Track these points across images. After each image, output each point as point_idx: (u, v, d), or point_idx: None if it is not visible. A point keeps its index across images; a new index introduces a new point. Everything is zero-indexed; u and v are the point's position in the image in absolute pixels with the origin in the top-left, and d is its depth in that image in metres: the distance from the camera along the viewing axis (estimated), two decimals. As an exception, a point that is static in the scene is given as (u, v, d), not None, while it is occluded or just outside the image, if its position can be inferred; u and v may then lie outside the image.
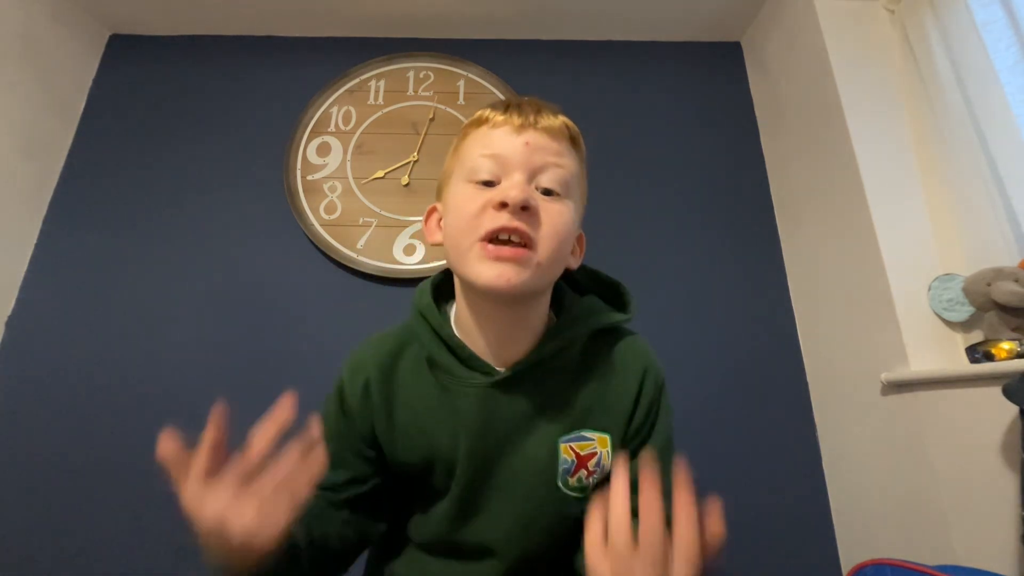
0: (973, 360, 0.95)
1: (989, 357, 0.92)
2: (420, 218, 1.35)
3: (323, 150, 1.43)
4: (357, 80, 1.50)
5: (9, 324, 1.27)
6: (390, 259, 1.32)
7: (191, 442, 0.41)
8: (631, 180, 1.45)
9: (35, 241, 1.35)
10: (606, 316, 0.57)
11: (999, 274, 0.91)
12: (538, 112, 0.50)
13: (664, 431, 0.56)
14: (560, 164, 0.49)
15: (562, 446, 0.51)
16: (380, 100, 1.48)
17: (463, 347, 0.52)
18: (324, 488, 0.53)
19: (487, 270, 0.46)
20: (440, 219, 0.54)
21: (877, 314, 1.06)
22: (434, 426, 0.53)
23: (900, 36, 1.20)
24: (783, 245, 1.40)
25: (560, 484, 0.52)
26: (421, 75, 1.51)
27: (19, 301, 1.30)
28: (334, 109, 1.47)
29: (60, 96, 1.43)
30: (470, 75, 1.51)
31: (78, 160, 1.43)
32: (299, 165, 1.41)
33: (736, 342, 1.31)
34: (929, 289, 1.02)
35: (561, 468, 0.51)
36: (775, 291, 1.36)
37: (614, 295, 0.63)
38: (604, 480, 0.53)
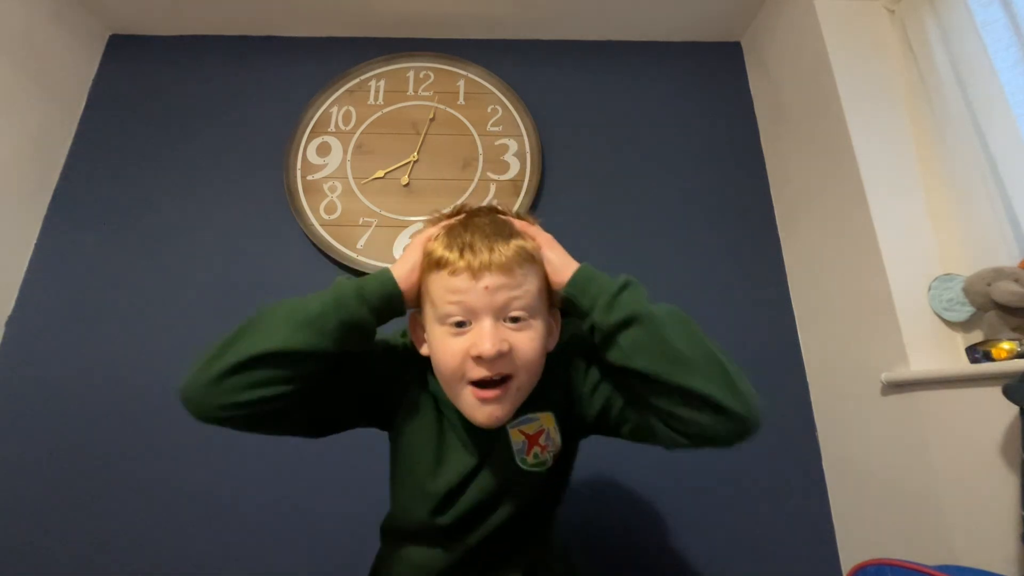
0: (973, 360, 0.95)
1: (989, 357, 0.92)
2: (420, 218, 1.36)
3: (323, 150, 1.43)
4: (357, 80, 1.50)
5: (9, 324, 1.27)
6: (390, 259, 1.32)
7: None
8: (631, 180, 1.45)
9: (35, 241, 1.35)
10: (553, 367, 0.63)
11: (999, 274, 0.91)
12: (491, 249, 0.54)
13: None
14: (520, 295, 0.54)
15: (511, 432, 0.60)
16: (380, 100, 1.48)
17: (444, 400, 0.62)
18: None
19: (478, 412, 0.55)
20: (423, 334, 0.59)
21: (877, 314, 1.06)
22: (441, 441, 0.63)
23: (900, 36, 1.20)
24: (783, 245, 1.40)
25: (519, 463, 0.60)
26: (421, 75, 1.51)
27: (19, 301, 1.30)
28: (334, 109, 1.47)
29: (60, 96, 1.43)
30: (470, 75, 1.51)
31: (78, 160, 1.43)
32: (299, 165, 1.41)
33: (736, 342, 1.31)
34: (929, 289, 1.02)
35: (516, 452, 0.60)
36: (775, 291, 1.36)
37: None
38: (563, 457, 0.63)
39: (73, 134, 1.45)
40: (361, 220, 1.36)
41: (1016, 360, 0.89)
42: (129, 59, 1.54)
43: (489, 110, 1.48)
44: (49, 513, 1.15)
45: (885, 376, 1.02)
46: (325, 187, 1.39)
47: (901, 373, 0.99)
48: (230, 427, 0.53)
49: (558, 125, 1.49)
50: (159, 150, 1.44)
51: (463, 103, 1.49)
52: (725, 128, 1.51)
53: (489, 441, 0.60)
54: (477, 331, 0.53)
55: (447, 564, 0.62)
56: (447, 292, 0.54)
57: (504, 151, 1.44)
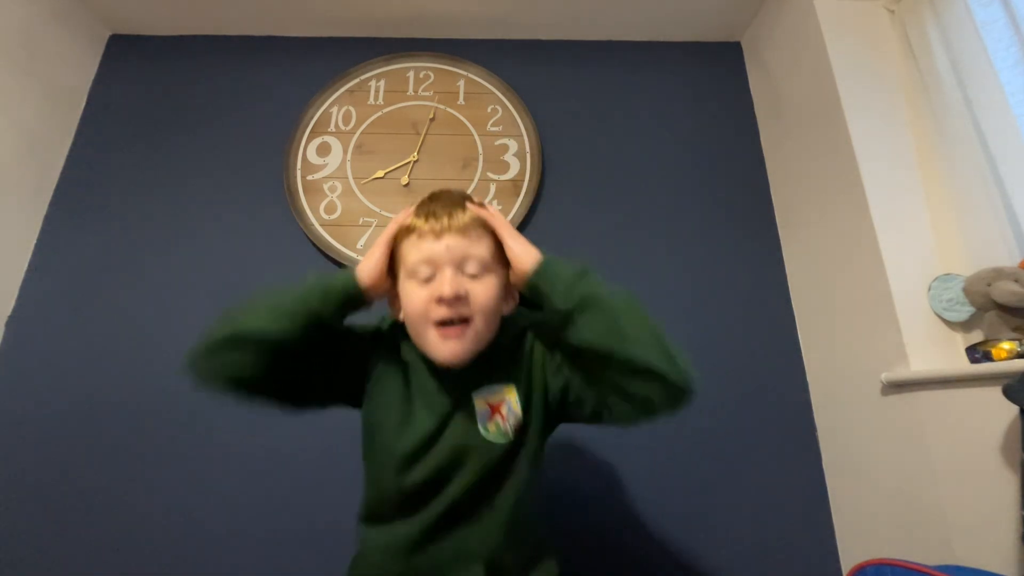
0: (973, 360, 0.95)
1: (989, 357, 0.92)
2: (420, 218, 1.36)
3: (323, 150, 1.43)
4: (357, 80, 1.50)
5: (9, 324, 1.28)
6: (390, 259, 1.32)
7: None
8: (631, 180, 1.45)
9: (35, 241, 1.35)
10: (526, 318, 0.72)
11: (999, 274, 0.91)
12: (450, 215, 0.65)
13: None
14: (474, 253, 0.65)
15: (476, 400, 0.66)
16: (380, 100, 1.48)
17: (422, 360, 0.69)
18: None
19: (442, 348, 0.63)
20: (399, 302, 0.68)
21: (877, 314, 1.06)
22: (408, 402, 0.68)
23: (900, 36, 1.20)
24: (783, 245, 1.40)
25: (481, 431, 0.65)
26: (421, 75, 1.51)
27: (19, 301, 1.30)
28: (334, 109, 1.47)
29: (60, 96, 1.43)
30: (470, 75, 1.51)
31: (78, 160, 1.43)
32: (299, 165, 1.41)
33: (736, 342, 1.31)
34: (929, 289, 1.02)
35: (479, 417, 0.65)
36: (775, 291, 1.36)
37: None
38: (522, 429, 0.66)
39: (73, 134, 1.45)
40: (361, 220, 1.36)
41: (1016, 360, 0.88)
42: (129, 59, 1.54)
43: (489, 110, 1.48)
44: (49, 513, 1.15)
45: (885, 376, 1.02)
46: (325, 187, 1.39)
47: (901, 373, 0.99)
48: (221, 393, 0.62)
49: (558, 125, 1.49)
50: (159, 150, 1.44)
51: (463, 103, 1.49)
52: (725, 128, 1.51)
53: (454, 405, 0.66)
54: (440, 279, 0.63)
55: (412, 543, 0.64)
56: (416, 252, 0.64)
57: (504, 151, 1.44)
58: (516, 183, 1.40)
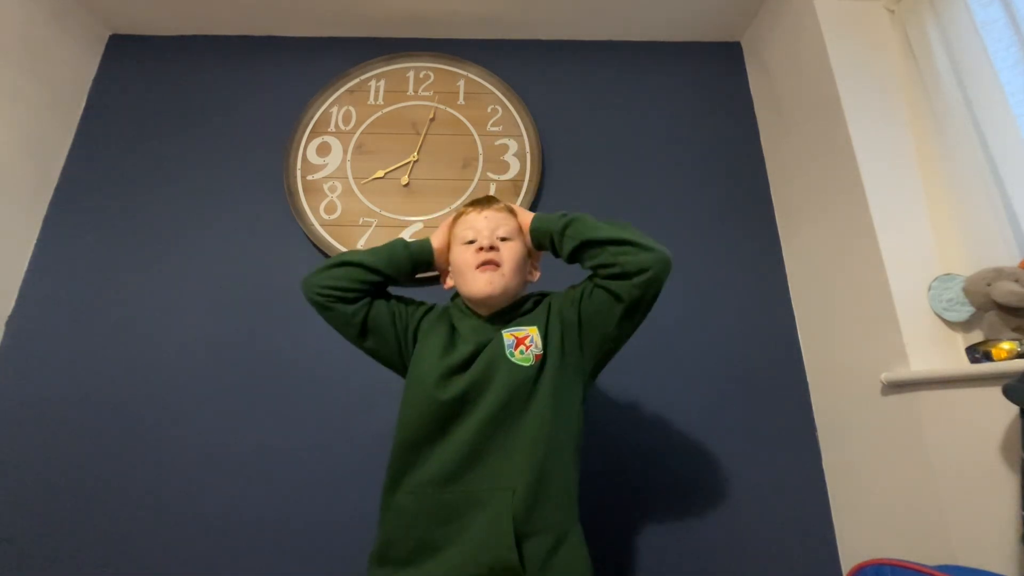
0: (973, 360, 0.95)
1: (989, 357, 0.92)
2: (420, 218, 1.37)
3: (323, 150, 1.43)
4: (357, 80, 1.50)
5: (9, 324, 1.28)
6: (390, 259, 1.32)
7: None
8: (631, 180, 1.45)
9: (35, 241, 1.35)
10: (536, 293, 0.92)
11: (999, 274, 0.91)
12: (488, 204, 0.90)
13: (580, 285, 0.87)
14: (504, 224, 0.87)
15: (505, 334, 0.82)
16: (380, 100, 1.48)
17: (467, 310, 0.89)
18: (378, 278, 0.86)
19: (480, 281, 0.83)
20: (450, 276, 0.91)
21: (877, 314, 1.06)
22: (453, 338, 0.85)
23: (900, 36, 1.20)
24: (783, 245, 1.40)
25: (508, 356, 0.79)
26: (421, 75, 1.51)
27: (19, 301, 1.30)
28: (334, 109, 1.47)
29: (60, 96, 1.43)
30: (470, 75, 1.51)
31: (78, 160, 1.43)
32: (299, 165, 1.41)
33: (736, 342, 1.31)
34: (929, 289, 1.02)
35: (507, 346, 0.80)
36: (775, 291, 1.36)
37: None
38: (543, 361, 0.79)
39: (73, 134, 1.45)
40: (361, 220, 1.36)
41: (1016, 360, 0.89)
42: (129, 59, 1.54)
43: (489, 110, 1.48)
44: (49, 511, 1.15)
45: (885, 376, 1.02)
46: (325, 187, 1.39)
47: (901, 373, 0.99)
48: (319, 310, 0.85)
49: (558, 125, 1.49)
50: (159, 150, 1.44)
51: (463, 103, 1.49)
52: (725, 128, 1.51)
53: (488, 338, 0.81)
54: (480, 237, 0.85)
55: (445, 472, 0.73)
56: (465, 225, 0.87)
57: (504, 151, 1.44)
58: (516, 183, 1.40)
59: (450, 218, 0.92)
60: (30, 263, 1.33)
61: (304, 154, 1.42)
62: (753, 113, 1.53)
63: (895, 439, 1.02)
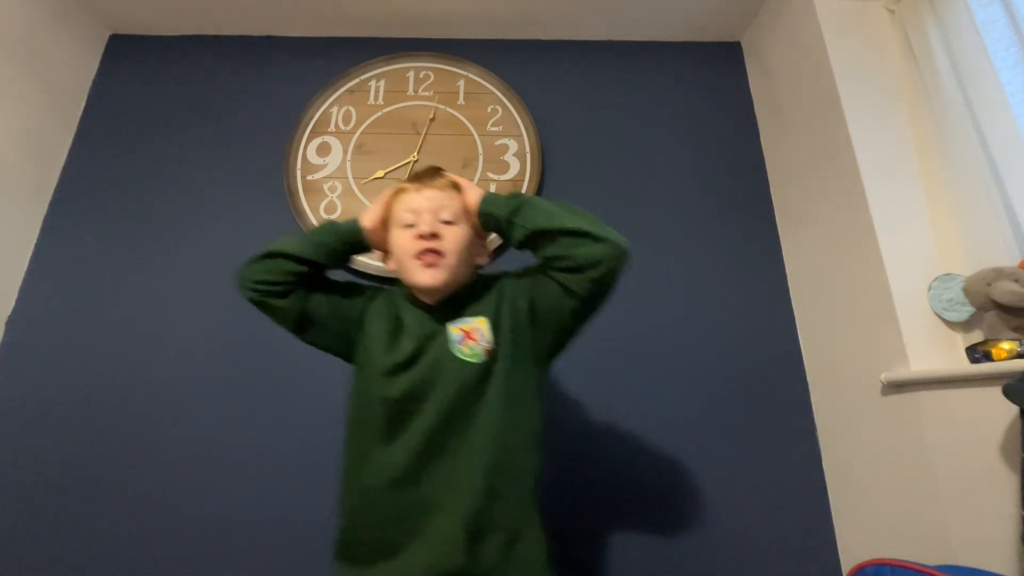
0: (973, 360, 0.95)
1: (989, 357, 0.92)
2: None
3: (323, 150, 1.43)
4: (357, 80, 1.50)
5: (9, 324, 1.28)
6: (390, 259, 1.32)
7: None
8: (631, 180, 1.45)
9: (35, 241, 1.35)
10: (486, 278, 0.86)
11: (999, 274, 0.91)
12: (431, 178, 0.82)
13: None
14: (447, 205, 0.79)
15: (451, 327, 0.77)
16: (380, 100, 1.48)
17: (412, 298, 0.83)
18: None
19: (422, 274, 0.76)
20: (391, 259, 0.83)
21: (877, 314, 1.06)
22: (397, 332, 0.80)
23: (900, 36, 1.20)
24: (783, 245, 1.40)
25: (455, 352, 0.74)
26: (421, 75, 1.51)
27: (19, 301, 1.30)
28: (334, 109, 1.47)
29: (60, 96, 1.43)
30: (470, 75, 1.51)
31: (78, 160, 1.43)
32: (299, 165, 1.41)
33: (736, 342, 1.31)
34: (929, 289, 1.02)
35: (452, 341, 0.75)
36: (775, 291, 1.36)
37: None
38: (493, 354, 0.75)
39: (73, 134, 1.45)
40: (361, 220, 1.36)
41: (1016, 360, 0.89)
42: (129, 59, 1.54)
43: (489, 110, 1.48)
44: (49, 511, 1.15)
45: (885, 376, 1.02)
46: (325, 187, 1.39)
47: (901, 373, 0.99)
48: (256, 307, 0.79)
49: (558, 125, 1.49)
50: (159, 150, 1.44)
51: (463, 103, 1.49)
52: (725, 128, 1.51)
53: (434, 333, 0.77)
54: (420, 222, 0.77)
55: (395, 473, 0.71)
56: (404, 206, 0.80)
57: (504, 151, 1.44)
58: (516, 183, 1.40)
59: (387, 192, 0.83)
60: (30, 263, 1.33)
61: (304, 154, 1.42)
62: (753, 113, 1.53)
63: (895, 439, 1.02)
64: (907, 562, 0.74)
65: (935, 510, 0.93)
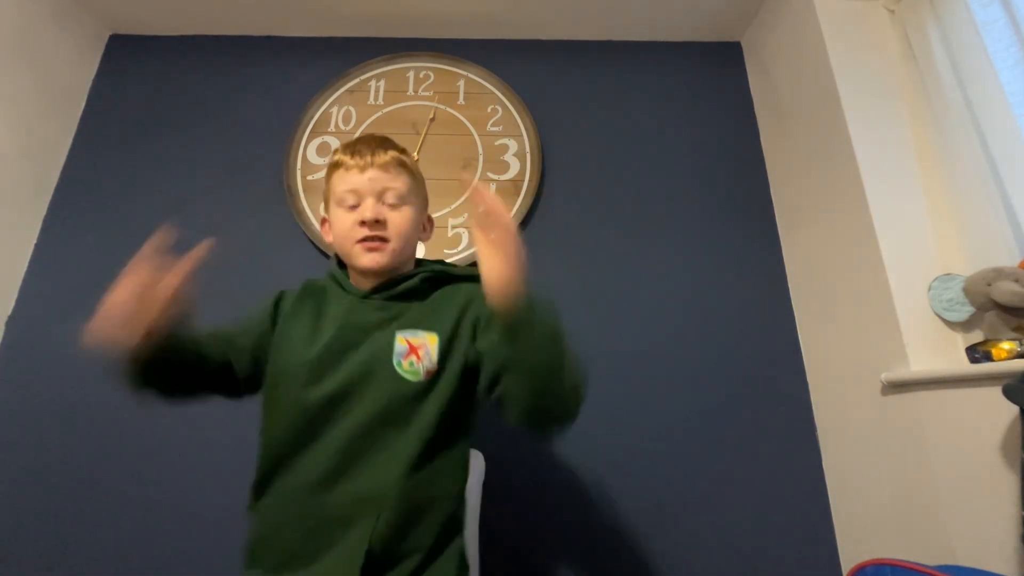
0: (973, 360, 0.95)
1: (989, 357, 0.92)
2: (420, 218, 1.36)
3: (323, 150, 1.43)
4: (357, 80, 1.50)
5: (9, 324, 1.27)
6: (390, 259, 1.32)
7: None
8: (631, 180, 1.45)
9: (35, 241, 1.35)
10: (443, 267, 0.82)
11: (999, 274, 0.91)
12: (373, 153, 0.76)
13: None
14: (394, 186, 0.76)
15: (399, 336, 0.71)
16: (380, 100, 1.48)
17: (345, 281, 0.79)
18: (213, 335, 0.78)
19: (364, 257, 0.74)
20: (329, 227, 0.80)
21: (877, 314, 1.06)
22: (318, 328, 0.75)
23: (900, 36, 1.20)
24: (783, 245, 1.40)
25: (395, 365, 0.69)
26: (421, 75, 1.51)
27: (19, 301, 1.30)
28: (334, 109, 1.47)
29: (60, 96, 1.43)
30: (470, 75, 1.51)
31: (78, 160, 1.43)
32: (299, 165, 1.41)
33: (736, 342, 1.31)
34: (929, 289, 1.02)
35: (396, 352, 0.70)
36: (775, 291, 1.36)
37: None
38: (435, 377, 0.69)
39: (73, 134, 1.45)
40: (361, 220, 1.36)
41: (1016, 360, 0.88)
42: (129, 59, 1.54)
43: (489, 110, 1.48)
44: (49, 512, 1.15)
45: (885, 376, 1.02)
46: (325, 187, 1.39)
47: (901, 373, 0.99)
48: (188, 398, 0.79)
49: (558, 125, 1.49)
50: (159, 150, 1.44)
51: (463, 103, 1.48)
52: (725, 128, 1.51)
53: (372, 330, 0.72)
54: (363, 206, 0.74)
55: (313, 479, 0.65)
56: (343, 184, 0.75)
57: (504, 151, 1.44)
58: (516, 183, 1.40)
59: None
60: (30, 263, 1.33)
61: (304, 154, 1.42)
62: (753, 113, 1.53)
63: (895, 439, 1.02)
64: (907, 562, 0.74)
65: (935, 510, 0.93)
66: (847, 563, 1.13)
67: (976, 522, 0.88)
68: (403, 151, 0.80)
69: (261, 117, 1.48)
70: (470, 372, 0.72)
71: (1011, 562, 0.82)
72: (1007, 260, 0.93)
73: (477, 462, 1.05)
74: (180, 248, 1.40)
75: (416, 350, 0.70)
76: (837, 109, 1.16)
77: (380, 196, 0.75)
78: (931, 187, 1.09)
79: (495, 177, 1.41)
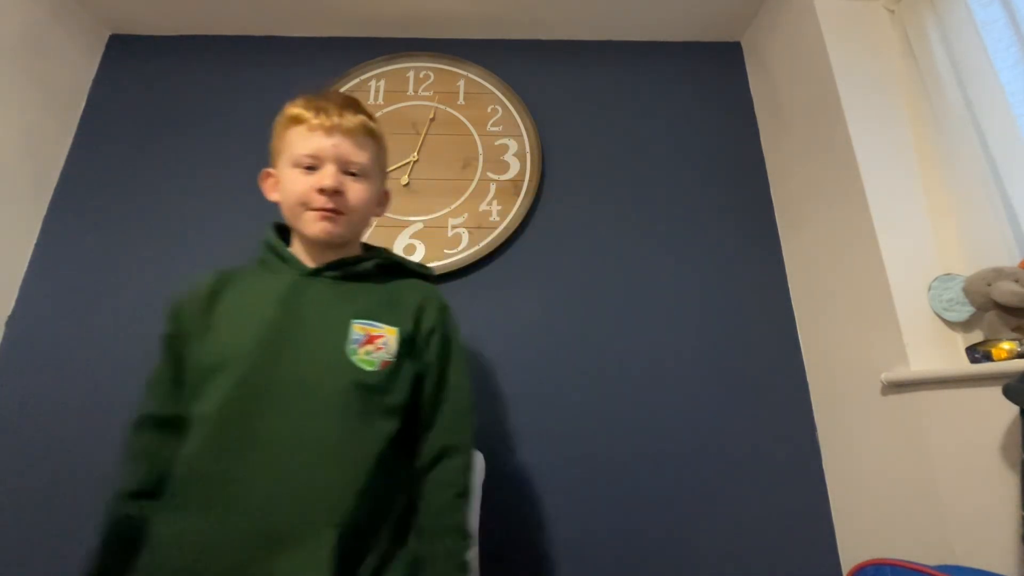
0: (973, 360, 0.95)
1: (989, 357, 0.92)
2: (421, 218, 1.36)
3: (323, 150, 1.43)
4: (357, 80, 1.50)
5: (9, 324, 1.27)
6: (390, 259, 1.32)
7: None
8: (631, 180, 1.45)
9: (35, 241, 1.35)
10: (397, 256, 0.80)
11: (999, 274, 0.91)
12: (340, 114, 0.70)
13: (459, 359, 0.73)
14: (358, 157, 0.70)
15: (355, 324, 0.66)
16: (380, 100, 1.48)
17: (285, 252, 0.74)
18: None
19: (316, 226, 0.69)
20: (275, 183, 0.75)
21: (877, 314, 1.06)
22: (253, 307, 0.67)
23: (900, 36, 1.20)
24: (783, 245, 1.40)
25: (349, 352, 0.64)
26: (421, 75, 1.51)
27: (19, 301, 1.30)
28: (334, 109, 1.47)
29: (60, 96, 1.43)
30: (470, 75, 1.51)
31: (78, 160, 1.43)
32: (299, 165, 1.41)
33: (736, 342, 1.31)
34: (929, 289, 1.02)
35: (351, 339, 0.65)
36: (775, 291, 1.36)
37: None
38: (396, 368, 0.66)
39: (73, 134, 1.45)
40: (361, 220, 1.36)
41: (1016, 360, 0.88)
42: (129, 59, 1.54)
43: (489, 110, 1.48)
44: (50, 512, 1.15)
45: (885, 376, 1.02)
46: (325, 187, 1.39)
47: (901, 373, 0.99)
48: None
49: (558, 125, 1.49)
50: (159, 150, 1.44)
51: (463, 103, 1.48)
52: (725, 128, 1.51)
53: (324, 317, 0.66)
54: (323, 172, 0.69)
55: (244, 501, 0.57)
56: (303, 145, 0.69)
57: (504, 151, 1.44)
58: (516, 183, 1.40)
59: (282, 117, 0.73)
60: (30, 263, 1.33)
61: (304, 154, 1.42)
62: (753, 113, 1.53)
63: (895, 439, 1.02)
64: (907, 562, 0.74)
65: (935, 510, 0.93)
66: (847, 563, 1.13)
67: (976, 522, 0.88)
68: (371, 116, 0.75)
69: (261, 117, 1.47)
70: (417, 381, 0.69)
71: (1011, 562, 0.82)
72: (1007, 260, 0.93)
73: (477, 462, 1.05)
74: (181, 249, 1.41)
75: (374, 339, 0.66)
76: (837, 109, 1.16)
77: (343, 163, 0.70)
78: (931, 187, 1.09)
79: (495, 177, 1.41)
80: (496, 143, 1.44)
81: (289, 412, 0.60)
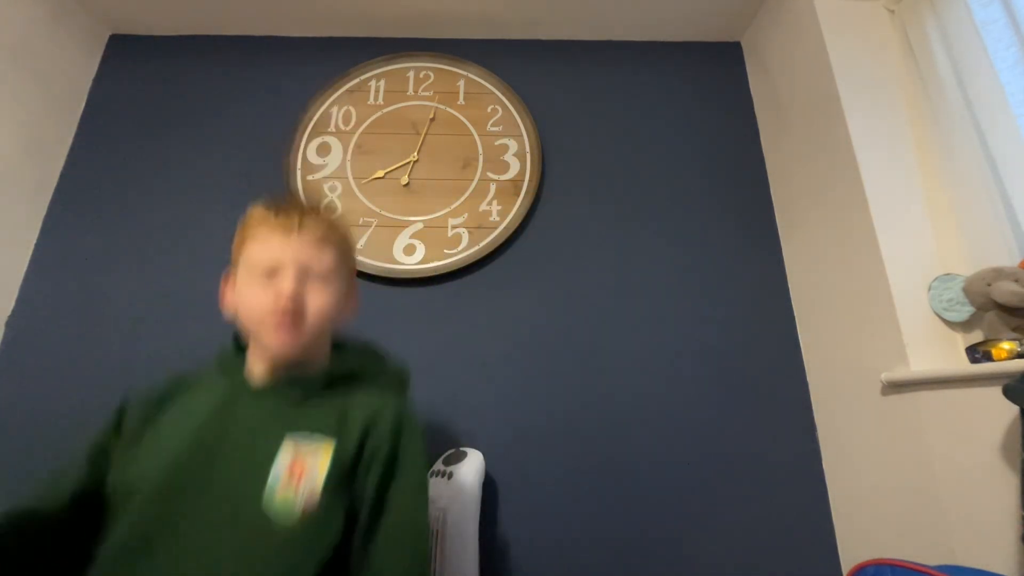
0: (973, 360, 0.95)
1: (989, 357, 0.92)
2: (421, 218, 1.36)
3: (323, 150, 1.43)
4: (357, 80, 1.50)
5: (9, 324, 1.27)
6: (390, 259, 1.32)
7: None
8: (631, 180, 1.45)
9: (35, 241, 1.35)
10: (354, 362, 0.73)
11: (999, 274, 0.91)
12: (301, 221, 0.66)
13: (408, 480, 0.62)
14: (320, 263, 0.66)
15: (287, 442, 0.59)
16: (380, 100, 1.48)
17: (229, 362, 0.70)
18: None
19: (275, 339, 0.63)
20: (233, 289, 0.71)
21: (877, 314, 1.06)
22: (176, 430, 0.62)
23: (900, 36, 1.20)
24: (783, 245, 1.40)
25: (265, 499, 0.55)
26: (421, 75, 1.51)
27: (19, 301, 1.30)
28: (334, 109, 1.47)
29: (60, 96, 1.43)
30: (470, 75, 1.51)
31: (78, 160, 1.43)
32: (299, 165, 1.41)
33: (736, 342, 1.31)
34: (929, 289, 1.02)
35: (273, 475, 0.56)
36: (775, 291, 1.36)
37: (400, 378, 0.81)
38: (320, 512, 0.56)
39: (73, 134, 1.45)
40: (361, 220, 1.36)
41: (1016, 360, 0.89)
42: (129, 59, 1.54)
43: (489, 110, 1.48)
44: (49, 513, 1.15)
45: (885, 376, 1.02)
46: (325, 187, 1.39)
47: (901, 373, 0.99)
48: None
49: (558, 125, 1.49)
50: (159, 150, 1.44)
51: (463, 103, 1.48)
52: (725, 128, 1.51)
53: (250, 442, 0.59)
54: (282, 279, 0.64)
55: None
56: (262, 249, 0.66)
57: (504, 151, 1.44)
58: (516, 183, 1.40)
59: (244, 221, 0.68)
60: (30, 263, 1.33)
61: (304, 154, 1.42)
62: (753, 113, 1.53)
63: (895, 439, 1.02)
64: (907, 562, 0.74)
65: (935, 510, 0.93)
66: (847, 563, 1.13)
67: (976, 522, 0.88)
68: (334, 218, 0.71)
69: (261, 117, 1.48)
70: (351, 516, 0.59)
71: (1011, 562, 0.82)
72: (1007, 260, 0.93)
73: (477, 462, 1.05)
74: (181, 249, 1.41)
75: (297, 472, 0.56)
76: (837, 109, 1.16)
77: (304, 269, 0.65)
78: (931, 187, 1.09)
79: (495, 177, 1.41)
80: (496, 143, 1.44)
81: (190, 561, 0.53)
